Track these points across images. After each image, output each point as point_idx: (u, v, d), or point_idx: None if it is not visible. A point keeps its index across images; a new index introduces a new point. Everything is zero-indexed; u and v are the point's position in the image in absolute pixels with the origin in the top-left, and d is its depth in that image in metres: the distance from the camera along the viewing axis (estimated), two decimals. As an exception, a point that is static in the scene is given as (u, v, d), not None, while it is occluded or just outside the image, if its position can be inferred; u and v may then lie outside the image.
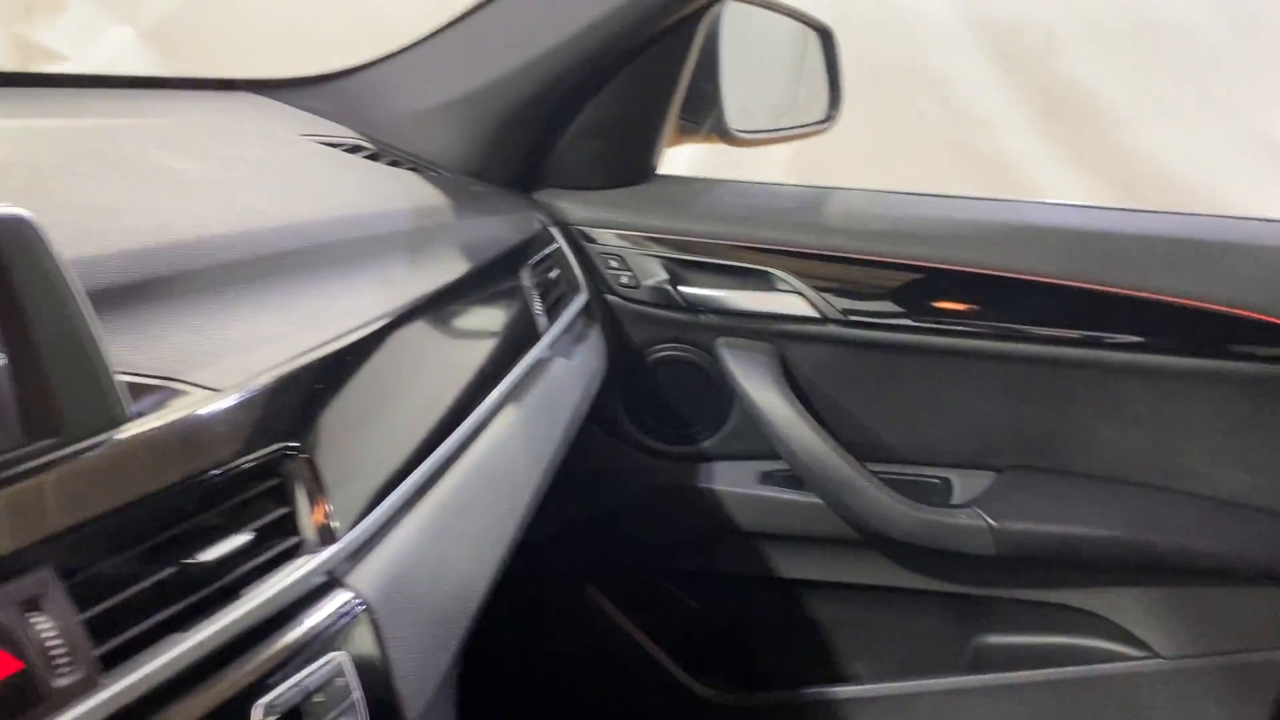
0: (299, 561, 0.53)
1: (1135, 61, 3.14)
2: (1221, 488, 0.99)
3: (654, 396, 1.12)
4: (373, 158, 0.98)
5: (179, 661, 0.45)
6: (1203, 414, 0.99)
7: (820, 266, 1.02)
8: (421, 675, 0.57)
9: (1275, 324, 0.94)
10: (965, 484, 1.06)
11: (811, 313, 1.03)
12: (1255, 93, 2.98)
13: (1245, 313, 0.94)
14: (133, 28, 3.31)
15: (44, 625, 0.42)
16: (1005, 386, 1.03)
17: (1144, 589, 1.02)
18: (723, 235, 1.05)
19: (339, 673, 0.50)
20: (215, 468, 0.51)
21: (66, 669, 0.41)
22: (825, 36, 1.22)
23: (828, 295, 1.02)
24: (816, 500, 1.06)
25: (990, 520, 1.01)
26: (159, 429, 0.49)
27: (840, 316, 1.02)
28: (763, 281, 1.04)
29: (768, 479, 1.10)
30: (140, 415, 0.49)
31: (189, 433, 0.50)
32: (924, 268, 1.01)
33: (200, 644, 0.46)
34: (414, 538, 0.60)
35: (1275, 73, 2.95)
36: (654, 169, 1.12)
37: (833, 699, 1.14)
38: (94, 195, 0.66)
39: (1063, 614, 1.06)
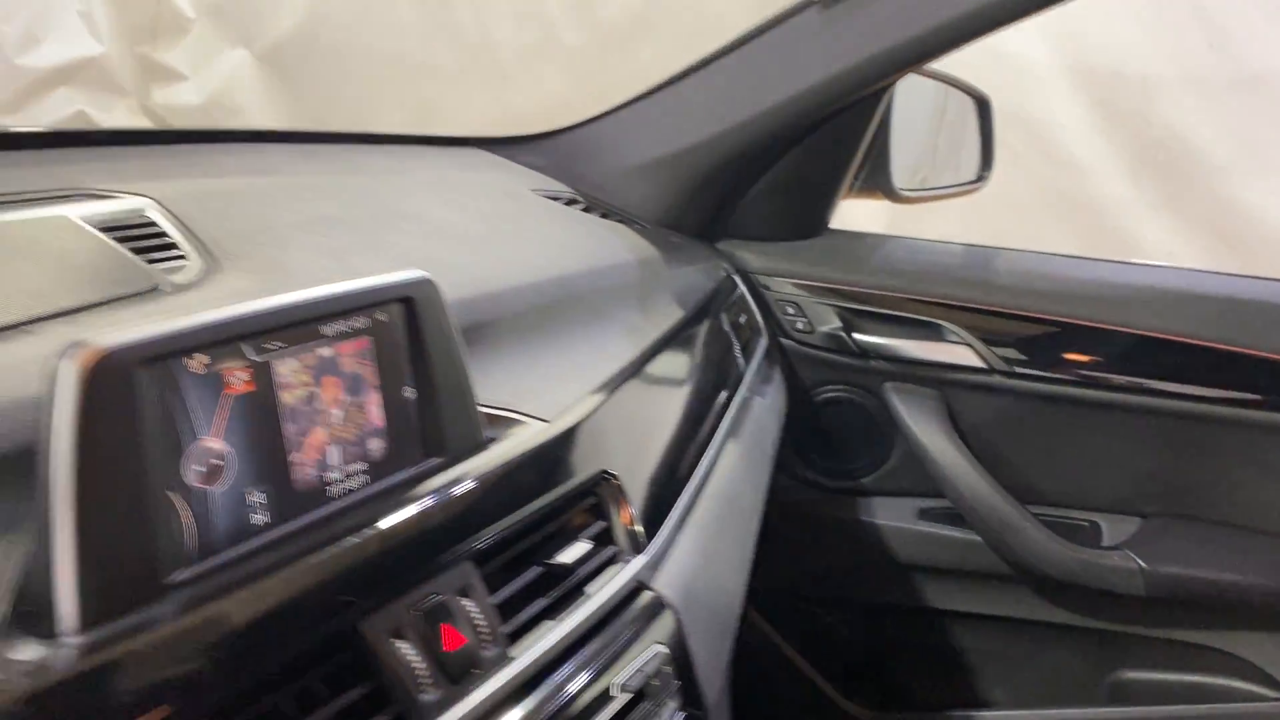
0: (617, 568, 0.63)
1: (1232, 112, 3.17)
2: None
3: (821, 435, 1.21)
4: (586, 210, 1.09)
5: (558, 643, 0.55)
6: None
7: (987, 321, 1.11)
8: (713, 666, 0.67)
9: None
10: (1113, 528, 1.14)
11: (978, 363, 1.12)
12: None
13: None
14: (249, 51, 3.48)
15: (473, 608, 0.53)
16: (1153, 438, 1.11)
17: (1283, 634, 1.09)
18: (894, 288, 1.14)
19: (666, 662, 0.60)
20: (552, 486, 0.62)
21: (490, 644, 0.52)
22: (983, 105, 1.31)
23: (994, 348, 1.11)
24: (974, 537, 1.15)
25: (1141, 563, 1.08)
26: (509, 452, 0.60)
27: (1005, 368, 1.11)
28: (932, 332, 1.13)
29: (925, 515, 1.19)
30: (493, 440, 0.60)
31: (532, 457, 0.61)
32: (1082, 326, 1.10)
33: (569, 631, 0.56)
34: (693, 549, 0.70)
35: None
36: (827, 224, 1.22)
37: (975, 719, 1.22)
38: (409, 249, 0.78)
39: (1203, 654, 1.13)
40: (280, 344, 0.49)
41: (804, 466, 1.23)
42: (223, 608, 0.43)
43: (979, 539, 1.14)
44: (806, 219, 1.20)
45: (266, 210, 0.74)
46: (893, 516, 1.19)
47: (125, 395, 0.41)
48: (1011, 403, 1.13)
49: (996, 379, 1.12)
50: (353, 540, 0.49)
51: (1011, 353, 1.11)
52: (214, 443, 0.46)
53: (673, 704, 0.60)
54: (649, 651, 0.60)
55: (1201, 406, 1.08)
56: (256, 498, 0.49)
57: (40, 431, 0.39)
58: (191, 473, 0.45)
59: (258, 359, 0.48)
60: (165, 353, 0.43)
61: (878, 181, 1.22)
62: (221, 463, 0.47)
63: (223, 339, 0.46)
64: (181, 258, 0.64)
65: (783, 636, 1.28)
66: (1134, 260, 1.17)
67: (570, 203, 1.09)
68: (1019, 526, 1.11)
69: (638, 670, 0.58)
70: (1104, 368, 1.10)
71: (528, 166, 1.15)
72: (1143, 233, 3.41)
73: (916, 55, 1.02)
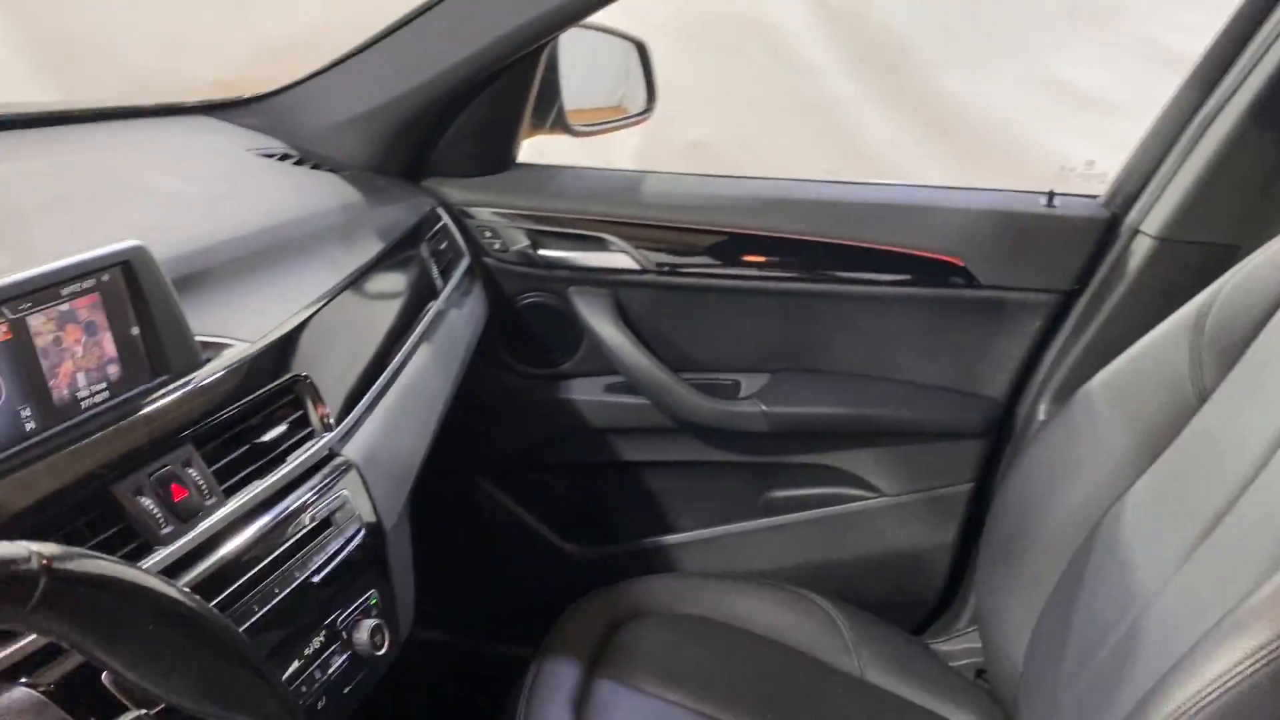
0: (314, 442, 0.89)
1: (936, 9, 3.60)
2: (918, 375, 1.44)
3: (524, 333, 1.49)
4: (299, 163, 1.30)
5: (270, 489, 0.81)
6: (904, 326, 1.42)
7: (640, 232, 1.41)
8: (390, 505, 0.94)
9: (949, 261, 1.37)
10: (749, 383, 1.48)
11: (636, 266, 1.41)
12: (1044, 40, 3.46)
13: (929, 254, 1.38)
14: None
15: (194, 474, 0.77)
16: (773, 314, 1.44)
17: (872, 448, 1.47)
18: (568, 210, 1.42)
19: (348, 500, 0.87)
20: (258, 389, 0.86)
21: (209, 495, 0.77)
22: (641, 48, 1.58)
23: (646, 253, 1.41)
24: (645, 401, 1.46)
25: (765, 407, 1.43)
26: (219, 366, 0.84)
27: (655, 269, 1.41)
28: (600, 244, 1.42)
29: (610, 389, 1.50)
30: (209, 360, 0.84)
31: (240, 369, 0.85)
32: (714, 231, 1.41)
33: (273, 484, 0.82)
34: (377, 428, 0.97)
35: (1061, 24, 3.42)
36: (514, 159, 1.48)
37: (668, 543, 1.56)
38: (137, 218, 0.99)
39: (820, 471, 1.50)
40: (30, 304, 0.71)
41: (515, 360, 1.50)
42: (7, 486, 0.65)
43: (649, 402, 1.46)
44: (496, 156, 1.45)
45: (12, 196, 0.93)
46: (586, 393, 1.49)
47: None
48: (664, 295, 1.44)
49: (650, 277, 1.42)
50: (102, 434, 0.72)
51: (661, 256, 1.41)
52: (-11, 377, 0.68)
53: (354, 526, 0.87)
54: (336, 495, 0.86)
55: (804, 286, 1.42)
56: (26, 413, 0.71)
57: None
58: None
59: (14, 317, 0.70)
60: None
61: (557, 119, 1.48)
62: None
63: (-15, 305, 0.67)
64: None
65: (512, 499, 1.57)
66: (744, 176, 1.48)
67: (284, 158, 1.29)
68: (675, 390, 1.43)
69: (325, 506, 0.84)
70: (733, 262, 1.42)
71: (247, 128, 1.34)
72: (868, 126, 3.84)
73: (569, 17, 1.27)
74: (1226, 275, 1.06)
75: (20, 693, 0.60)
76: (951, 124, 3.64)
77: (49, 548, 0.42)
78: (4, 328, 0.69)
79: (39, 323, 0.72)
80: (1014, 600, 1.18)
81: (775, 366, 1.48)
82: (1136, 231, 1.31)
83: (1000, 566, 1.23)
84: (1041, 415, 1.37)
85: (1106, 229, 1.34)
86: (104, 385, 0.76)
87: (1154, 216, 1.29)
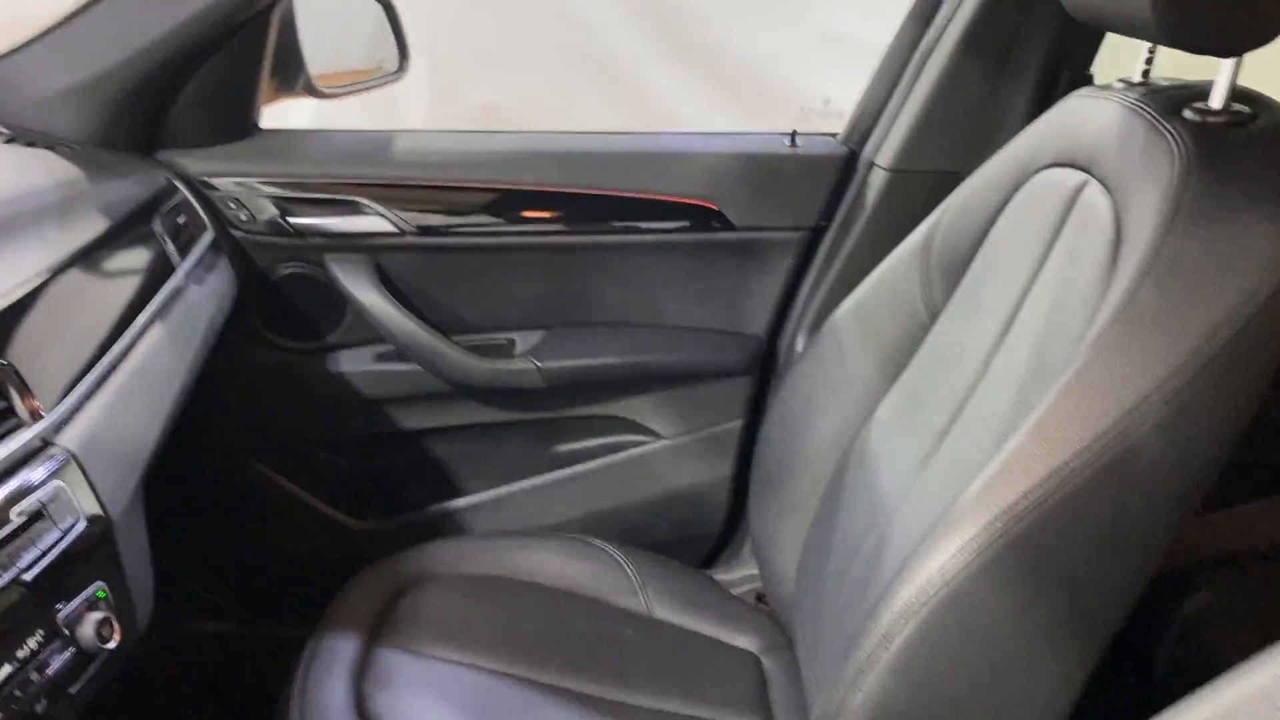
0: (19, 434, 0.83)
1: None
2: (684, 319, 1.47)
3: (284, 307, 1.43)
4: (10, 141, 1.20)
5: None
6: (667, 272, 1.45)
7: (395, 193, 1.37)
8: (117, 493, 0.89)
9: (703, 205, 1.41)
10: (524, 340, 1.48)
11: (394, 229, 1.38)
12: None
13: (684, 200, 1.41)
14: None
15: None
16: (539, 269, 1.45)
17: (647, 394, 1.50)
18: (318, 175, 1.37)
19: (61, 491, 0.81)
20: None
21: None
22: (387, 6, 1.54)
23: (403, 214, 1.38)
24: (418, 368, 1.44)
25: (539, 363, 1.43)
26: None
27: (415, 230, 1.39)
28: (353, 208, 1.37)
29: (380, 358, 1.46)
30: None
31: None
32: (472, 188, 1.39)
33: None
34: (99, 415, 0.91)
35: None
36: (256, 125, 1.41)
37: (456, 508, 1.55)
38: None
39: (600, 421, 1.52)
40: None
41: (276, 335, 1.45)
42: None
43: (421, 369, 1.43)
44: (235, 121, 1.38)
45: None
46: (355, 364, 1.46)
47: None
48: (427, 257, 1.41)
49: (409, 239, 1.39)
50: None
51: (419, 217, 1.39)
52: None
53: (71, 518, 0.82)
54: (49, 487, 0.81)
55: (567, 239, 1.43)
56: None
57: None
58: None
59: None
60: None
61: (299, 82, 1.42)
62: None
63: None
64: None
65: (288, 479, 1.52)
66: (497, 130, 1.47)
67: (-2, 133, 1.19)
68: (446, 353, 1.41)
69: (34, 498, 0.79)
70: (492, 219, 1.41)
71: None
72: (655, 81, 3.88)
73: None
74: (947, 200, 1.13)
75: None
76: (727, 74, 3.74)
77: None
78: None
79: None
80: (783, 525, 1.24)
81: (547, 322, 1.48)
82: (872, 165, 1.38)
83: (769, 495, 1.29)
84: (799, 348, 1.43)
85: (845, 165, 1.41)
86: None
87: (885, 149, 1.36)
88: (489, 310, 1.46)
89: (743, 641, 1.28)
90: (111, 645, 0.81)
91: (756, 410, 1.49)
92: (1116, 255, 0.86)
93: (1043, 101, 1.28)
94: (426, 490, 1.55)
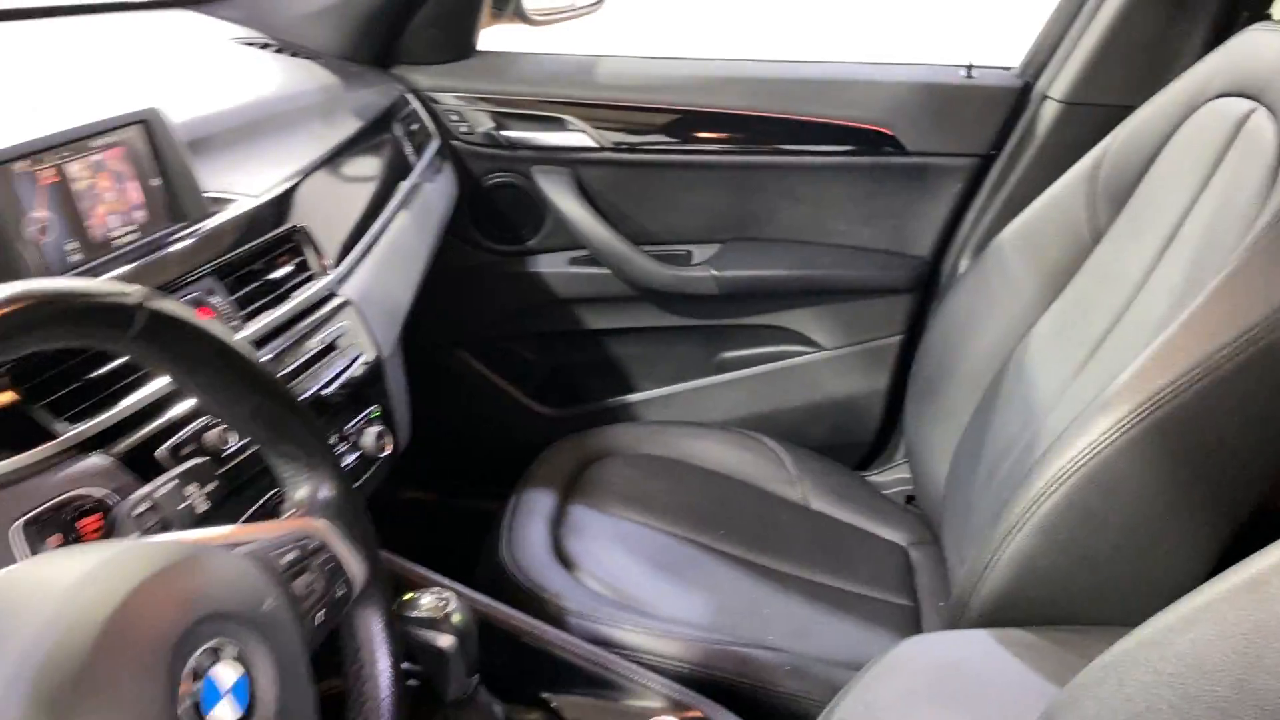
0: (315, 282, 1.02)
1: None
2: (853, 239, 1.58)
3: (492, 212, 1.61)
4: (279, 52, 1.40)
5: (282, 319, 0.94)
6: (840, 193, 1.56)
7: (596, 112, 1.52)
8: (385, 337, 1.07)
9: (879, 131, 1.50)
10: (701, 252, 1.61)
11: (594, 144, 1.53)
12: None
13: (862, 125, 1.51)
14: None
15: (218, 300, 0.90)
16: (721, 186, 1.57)
17: (812, 307, 1.62)
18: (528, 93, 1.53)
19: (346, 330, 1.00)
20: (260, 235, 0.99)
21: (231, 317, 0.90)
22: (591, -58, 1.68)
23: (604, 132, 1.53)
24: (607, 271, 1.59)
25: (715, 271, 1.57)
26: (227, 216, 0.96)
27: (612, 147, 1.53)
28: (558, 125, 1.53)
29: (574, 261, 1.63)
30: (217, 211, 0.96)
31: (246, 219, 0.98)
32: (665, 109, 1.52)
33: (284, 314, 0.95)
34: (369, 275, 1.10)
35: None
36: (474, 46, 1.58)
37: (630, 401, 1.71)
38: (141, 94, 1.09)
39: (766, 330, 1.65)
40: (69, 154, 0.83)
41: (483, 237, 1.63)
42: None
43: (609, 271, 1.59)
44: (458, 44, 1.55)
45: (35, 74, 1.04)
46: (552, 266, 1.62)
47: None
48: (621, 172, 1.56)
49: (607, 155, 1.54)
50: (135, 266, 0.85)
51: (617, 135, 1.53)
52: (39, 212, 0.80)
53: (355, 351, 1.00)
54: (337, 326, 0.99)
55: (749, 159, 1.55)
56: (70, 247, 0.83)
57: None
58: (29, 231, 0.79)
59: (57, 163, 0.82)
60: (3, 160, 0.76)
61: (515, 8, 1.58)
62: (45, 224, 0.81)
63: (25, 154, 0.79)
64: None
65: (489, 368, 1.71)
66: (692, 57, 1.59)
67: (264, 47, 1.39)
68: (634, 258, 1.56)
69: (329, 332, 0.98)
70: (682, 139, 1.54)
71: (227, 20, 1.43)
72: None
73: None
74: (1116, 130, 1.20)
75: (95, 460, 0.74)
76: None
77: (145, 290, 0.55)
78: (50, 172, 0.81)
79: (76, 170, 0.84)
80: (936, 431, 1.34)
81: (725, 237, 1.61)
82: (1045, 97, 1.45)
83: (925, 403, 1.39)
84: (963, 269, 1.52)
85: (1019, 97, 1.48)
86: (134, 227, 0.89)
87: (1059, 82, 1.43)
88: (672, 223, 1.60)
89: (891, 535, 1.40)
90: (385, 454, 1.00)
91: (916, 325, 1.59)
92: (1276, 175, 0.93)
93: (1218, 39, 1.32)
94: (605, 384, 1.72)
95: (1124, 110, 1.22)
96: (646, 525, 1.30)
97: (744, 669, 1.08)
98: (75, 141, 0.83)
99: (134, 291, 0.55)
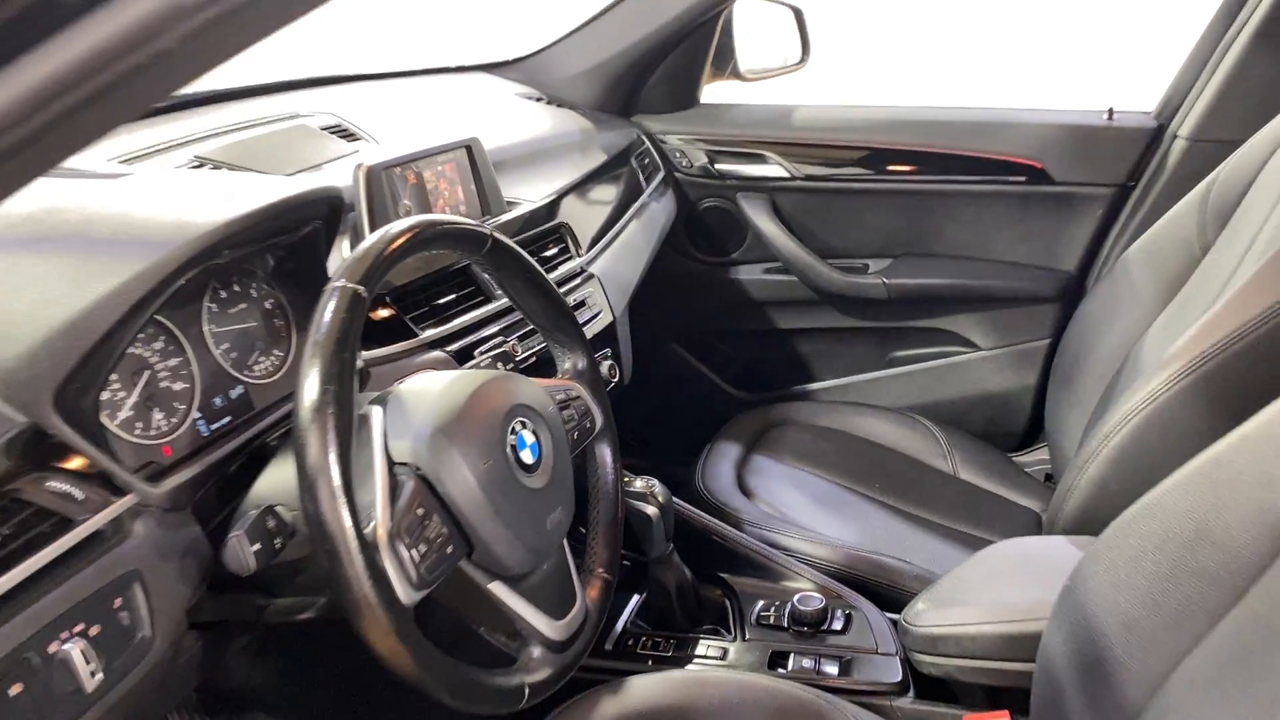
0: (572, 261, 1.43)
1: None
2: (1008, 255, 1.86)
3: (704, 230, 2.00)
4: (549, 104, 1.85)
5: (555, 280, 1.35)
6: (997, 216, 1.84)
7: (789, 150, 1.89)
8: (618, 302, 1.47)
9: (1031, 164, 1.78)
10: (876, 265, 1.94)
11: (787, 175, 1.90)
12: None
13: (1016, 159, 1.79)
14: None
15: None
16: (894, 210, 1.89)
17: (971, 313, 1.90)
18: (737, 135, 1.91)
19: (591, 295, 1.41)
20: (537, 227, 1.41)
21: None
22: (797, 12, 2.05)
23: (796, 165, 1.89)
24: (795, 279, 1.95)
25: (885, 280, 1.88)
26: (516, 214, 1.38)
27: (803, 178, 1.89)
28: (760, 160, 1.90)
29: (769, 271, 1.99)
30: (510, 210, 1.39)
31: (530, 215, 1.40)
32: (847, 147, 1.87)
33: (555, 277, 1.36)
34: (608, 260, 1.50)
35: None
36: (698, 100, 1.98)
37: (810, 389, 2.04)
38: (465, 130, 1.55)
39: (930, 332, 1.94)
40: (423, 164, 1.27)
41: (697, 251, 2.02)
42: None
43: (797, 279, 1.94)
44: (683, 97, 1.96)
45: (396, 116, 1.51)
46: (750, 275, 1.99)
47: (377, 181, 1.19)
48: (809, 198, 1.91)
49: (798, 184, 1.90)
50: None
51: (807, 168, 1.89)
52: (405, 200, 1.25)
53: (596, 308, 1.40)
54: (585, 291, 1.40)
55: (919, 187, 1.86)
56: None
57: (348, 194, 1.17)
58: (401, 209, 1.24)
59: (417, 169, 1.26)
60: (388, 166, 1.21)
61: (732, 69, 1.98)
62: (409, 208, 1.25)
63: (401, 163, 1.24)
64: (360, 139, 1.41)
65: (696, 358, 2.09)
66: (868, 105, 1.93)
67: (538, 100, 1.85)
68: (819, 268, 1.91)
69: (580, 295, 1.38)
70: (861, 170, 1.88)
71: (510, 80, 1.90)
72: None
73: None
74: (1227, 160, 1.44)
75: (437, 354, 1.16)
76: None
77: (492, 226, 0.96)
78: (412, 175, 1.26)
79: (427, 175, 1.28)
80: (1070, 418, 1.60)
81: (898, 253, 1.93)
82: (1175, 136, 1.69)
83: (1061, 392, 1.65)
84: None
85: (1154, 135, 1.72)
86: (464, 212, 1.33)
87: (1188, 123, 1.66)
88: (851, 240, 1.94)
89: (1027, 503, 1.65)
90: (614, 381, 1.40)
91: (1062, 331, 1.84)
92: None
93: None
94: (791, 374, 2.06)
95: (1237, 144, 1.46)
96: (813, 474, 1.62)
97: (879, 571, 1.39)
98: (427, 157, 1.27)
99: (486, 226, 0.96)
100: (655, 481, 1.25)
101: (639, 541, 1.27)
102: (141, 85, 0.37)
